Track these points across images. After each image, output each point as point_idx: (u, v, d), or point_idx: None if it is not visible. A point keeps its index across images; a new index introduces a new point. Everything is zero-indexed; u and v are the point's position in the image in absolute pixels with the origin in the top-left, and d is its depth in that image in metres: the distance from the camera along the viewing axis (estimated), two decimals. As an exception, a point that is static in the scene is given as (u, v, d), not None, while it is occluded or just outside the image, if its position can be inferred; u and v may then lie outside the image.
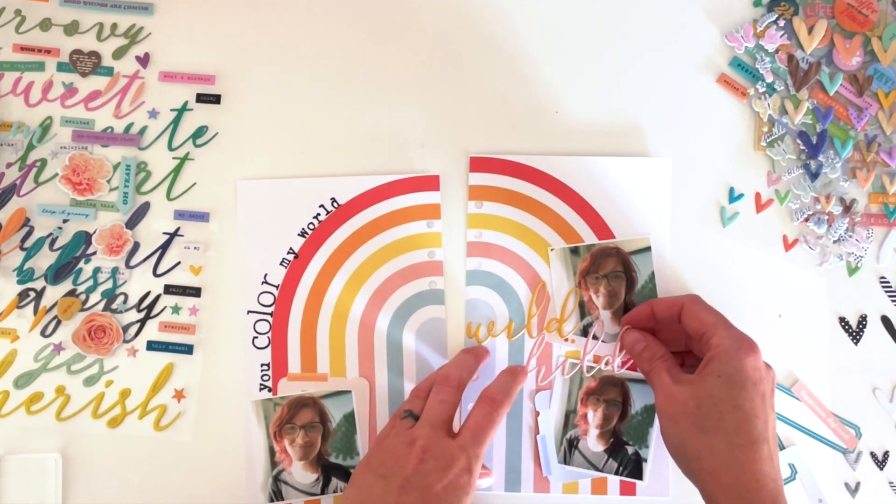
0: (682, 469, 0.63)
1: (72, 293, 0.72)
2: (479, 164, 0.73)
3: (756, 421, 0.60)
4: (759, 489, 0.58)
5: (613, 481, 0.71)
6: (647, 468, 0.71)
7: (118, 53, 0.74)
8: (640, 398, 0.71)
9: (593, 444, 0.71)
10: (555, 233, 0.73)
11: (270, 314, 0.72)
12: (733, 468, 0.59)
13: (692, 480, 0.62)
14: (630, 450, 0.71)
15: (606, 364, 0.71)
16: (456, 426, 0.64)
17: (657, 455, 0.71)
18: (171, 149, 0.73)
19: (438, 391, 0.65)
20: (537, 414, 0.72)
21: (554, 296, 0.72)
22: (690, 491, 0.69)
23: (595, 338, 0.71)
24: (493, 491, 0.71)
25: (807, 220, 0.73)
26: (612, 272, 0.72)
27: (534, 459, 0.72)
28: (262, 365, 0.72)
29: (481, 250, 0.73)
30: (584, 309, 0.72)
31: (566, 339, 0.72)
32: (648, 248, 0.72)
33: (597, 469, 0.71)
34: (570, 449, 0.71)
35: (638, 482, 0.71)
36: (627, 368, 0.71)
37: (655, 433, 0.71)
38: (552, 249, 0.73)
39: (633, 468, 0.71)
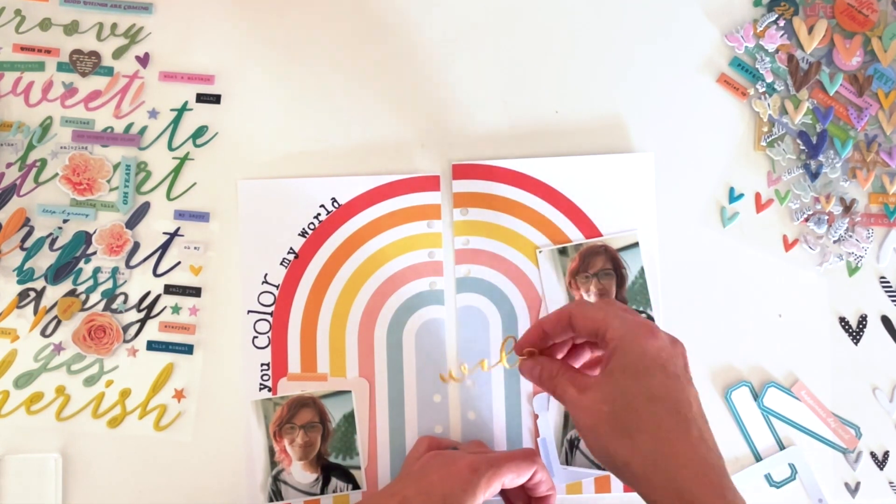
0: (620, 479, 0.57)
1: (72, 293, 0.72)
2: (462, 171, 0.73)
3: (675, 405, 0.55)
4: (698, 481, 0.52)
5: (616, 479, 0.71)
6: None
7: (118, 53, 0.74)
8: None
9: (594, 443, 0.71)
10: (542, 234, 0.73)
11: (270, 314, 0.72)
12: (664, 466, 0.53)
13: (634, 490, 0.56)
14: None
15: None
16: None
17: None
18: (171, 149, 0.73)
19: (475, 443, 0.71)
20: (536, 417, 0.72)
21: (545, 298, 0.72)
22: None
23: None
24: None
25: (807, 220, 0.73)
26: (601, 270, 0.72)
27: (535, 461, 0.72)
28: (262, 365, 0.72)
29: (470, 257, 0.73)
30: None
31: None
32: (636, 244, 0.72)
33: (599, 468, 0.71)
34: (570, 449, 0.71)
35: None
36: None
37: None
38: (540, 251, 0.73)
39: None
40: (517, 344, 0.64)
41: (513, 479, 0.63)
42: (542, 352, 0.62)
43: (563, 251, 0.73)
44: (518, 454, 0.64)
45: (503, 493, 0.67)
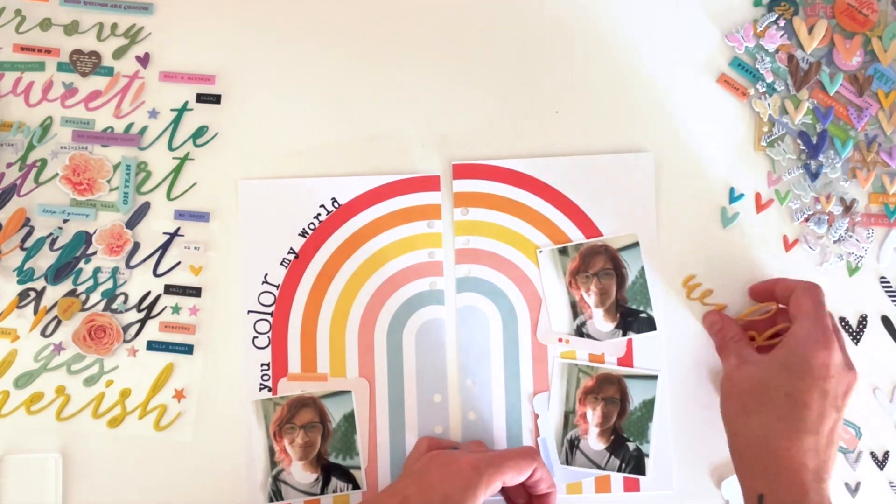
0: (729, 451, 0.64)
1: (72, 293, 0.72)
2: (463, 170, 0.73)
3: (806, 413, 0.60)
4: (786, 477, 0.59)
5: (617, 478, 0.71)
6: (650, 463, 0.71)
7: (118, 53, 0.74)
8: (638, 394, 0.71)
9: (594, 442, 0.71)
10: (542, 234, 0.73)
11: (271, 314, 0.72)
12: (761, 452, 0.60)
13: (733, 463, 0.63)
14: (631, 446, 0.71)
15: (606, 363, 0.71)
16: None
17: (659, 449, 0.71)
18: (171, 149, 0.73)
19: (476, 442, 0.70)
20: (537, 416, 0.72)
21: (545, 298, 0.72)
22: (694, 483, 0.70)
23: (596, 338, 0.71)
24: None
25: (807, 220, 0.73)
26: (601, 270, 0.72)
27: (536, 461, 0.72)
28: (262, 365, 0.72)
29: (470, 257, 0.73)
30: (575, 309, 0.72)
31: (560, 340, 0.72)
32: (637, 244, 0.72)
33: (599, 467, 0.71)
34: (571, 449, 0.71)
35: (641, 478, 0.71)
36: (627, 366, 0.72)
37: (655, 428, 0.71)
38: (541, 251, 0.73)
39: (636, 464, 0.71)
40: (752, 286, 0.72)
41: (513, 477, 0.64)
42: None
43: (563, 251, 0.73)
44: (518, 452, 0.65)
45: (504, 491, 0.68)
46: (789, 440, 0.59)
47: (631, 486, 0.71)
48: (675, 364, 0.72)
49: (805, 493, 0.58)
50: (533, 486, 0.67)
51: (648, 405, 0.71)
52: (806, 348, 0.61)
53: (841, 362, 0.62)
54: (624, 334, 0.72)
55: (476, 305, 0.73)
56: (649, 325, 0.72)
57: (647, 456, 0.71)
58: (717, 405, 0.71)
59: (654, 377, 0.71)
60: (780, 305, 0.70)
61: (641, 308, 0.72)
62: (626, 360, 0.72)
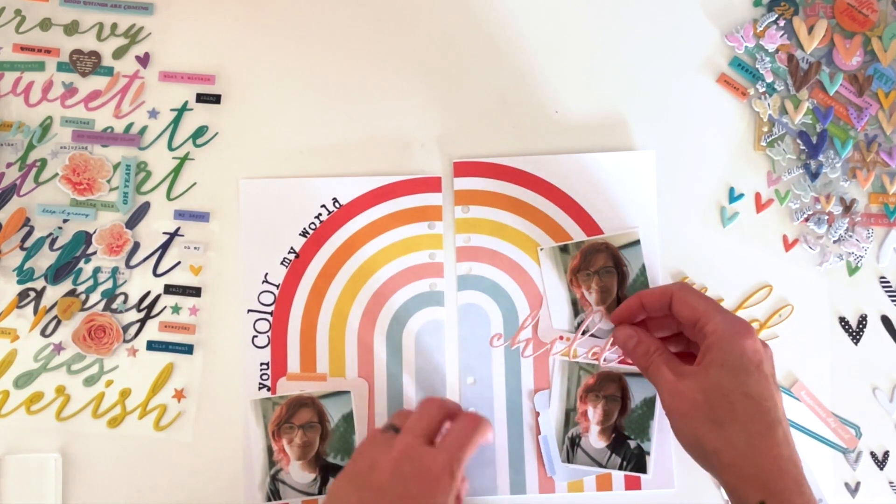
0: (700, 464, 0.62)
1: (72, 293, 0.72)
2: (464, 168, 0.73)
3: (767, 404, 0.59)
4: (782, 476, 0.57)
5: (618, 476, 0.71)
6: (651, 461, 0.71)
7: (118, 53, 0.74)
8: (639, 392, 0.71)
9: (595, 440, 0.71)
10: (543, 232, 0.73)
11: (270, 313, 0.72)
12: (753, 458, 0.58)
13: (712, 473, 0.62)
14: (632, 444, 0.71)
15: (605, 361, 0.71)
16: None
17: (660, 447, 0.71)
18: (171, 149, 0.73)
19: (423, 406, 0.64)
20: (537, 414, 0.72)
21: (546, 296, 0.72)
22: (695, 481, 0.70)
23: (584, 332, 0.71)
24: (499, 496, 0.71)
25: (807, 220, 0.73)
26: (602, 268, 0.72)
27: (537, 460, 0.71)
28: (261, 364, 0.72)
29: (471, 255, 0.73)
30: (576, 306, 0.72)
31: (561, 338, 0.72)
32: (638, 242, 0.72)
33: (600, 465, 0.71)
34: (572, 447, 0.71)
35: (642, 476, 0.71)
36: (620, 363, 0.72)
37: (657, 426, 0.71)
38: (542, 249, 0.73)
39: (637, 462, 0.71)
40: (616, 311, 0.69)
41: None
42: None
43: (564, 249, 0.73)
44: (466, 428, 0.62)
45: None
46: (768, 437, 0.58)
47: (632, 485, 0.71)
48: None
49: (801, 486, 0.58)
50: None
51: (649, 403, 0.71)
52: (735, 342, 0.60)
53: (761, 344, 0.61)
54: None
55: (477, 303, 0.73)
56: (649, 324, 0.72)
57: (649, 454, 0.71)
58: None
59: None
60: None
61: (642, 307, 0.72)
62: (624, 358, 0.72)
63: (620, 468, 0.71)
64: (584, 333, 0.71)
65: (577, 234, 0.73)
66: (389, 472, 0.58)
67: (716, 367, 0.60)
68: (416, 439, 0.60)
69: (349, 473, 0.60)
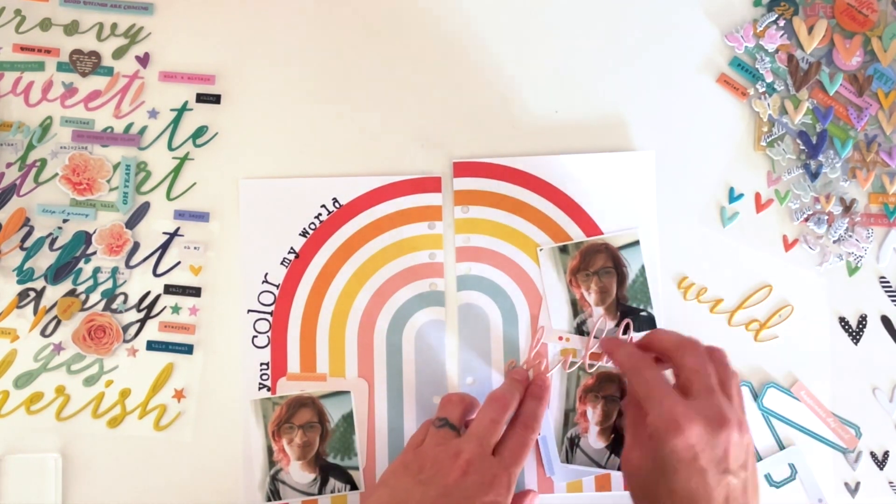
0: None
1: (72, 293, 0.72)
2: (463, 168, 0.73)
3: (696, 499, 0.57)
4: None
5: (617, 477, 0.71)
6: (649, 463, 0.71)
7: (118, 53, 0.74)
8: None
9: (594, 441, 0.71)
10: (543, 232, 0.73)
11: (270, 313, 0.72)
12: None
13: None
14: (630, 445, 0.71)
15: (607, 360, 0.71)
16: None
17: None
18: (171, 149, 0.73)
19: (490, 410, 0.64)
20: (537, 414, 0.72)
21: (546, 296, 0.72)
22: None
23: (596, 337, 0.71)
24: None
25: (807, 220, 0.73)
26: (602, 268, 0.72)
27: (536, 461, 0.71)
28: (261, 364, 0.72)
29: (470, 255, 0.73)
30: (576, 307, 0.72)
31: (561, 339, 0.72)
32: (637, 243, 0.72)
33: (599, 466, 0.71)
34: (571, 448, 0.71)
35: (641, 476, 0.71)
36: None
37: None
38: (541, 249, 0.73)
39: (636, 463, 0.71)
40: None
41: None
42: None
43: (563, 249, 0.73)
44: (524, 437, 0.64)
45: None
46: None
47: (631, 485, 0.71)
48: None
49: None
50: None
51: (649, 402, 0.71)
52: (664, 441, 0.58)
53: (702, 432, 0.57)
54: (624, 332, 0.72)
55: (476, 303, 0.73)
56: (649, 323, 0.72)
57: (647, 455, 0.71)
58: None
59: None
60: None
61: (642, 306, 0.72)
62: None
63: (620, 469, 0.71)
64: (595, 338, 0.71)
65: (577, 235, 0.73)
66: (456, 479, 0.60)
67: (649, 458, 0.59)
68: (482, 448, 0.62)
69: (411, 467, 0.62)
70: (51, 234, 0.72)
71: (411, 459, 0.62)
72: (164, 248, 0.73)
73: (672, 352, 0.63)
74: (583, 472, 0.71)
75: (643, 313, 0.72)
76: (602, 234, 0.73)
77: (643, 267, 0.72)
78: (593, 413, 0.71)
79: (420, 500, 0.59)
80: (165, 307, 0.72)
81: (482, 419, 0.64)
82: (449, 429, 0.64)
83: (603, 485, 0.71)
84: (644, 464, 0.60)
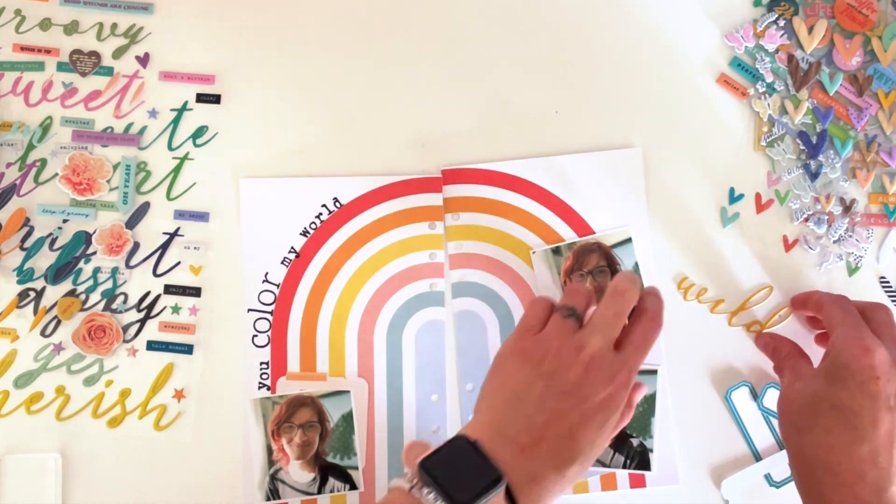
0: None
1: (72, 293, 0.72)
2: (452, 175, 0.73)
3: (856, 421, 0.58)
4: (844, 492, 0.57)
5: (622, 475, 0.71)
6: (654, 458, 0.71)
7: (118, 53, 0.74)
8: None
9: (598, 440, 0.71)
10: (534, 235, 0.73)
11: (271, 313, 0.72)
12: (815, 470, 0.58)
13: (797, 486, 0.62)
14: (635, 442, 0.71)
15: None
16: None
17: (662, 444, 0.71)
18: (170, 149, 0.73)
19: (613, 303, 0.60)
20: (538, 414, 0.71)
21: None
22: (700, 476, 0.70)
23: None
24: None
25: (807, 220, 0.73)
26: (596, 268, 0.72)
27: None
28: (261, 363, 0.72)
29: (463, 261, 0.73)
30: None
31: None
32: (629, 240, 0.72)
33: (604, 465, 0.71)
34: (573, 448, 0.71)
35: (647, 473, 0.71)
36: None
37: (658, 422, 0.71)
38: (534, 252, 0.73)
39: (640, 460, 0.71)
40: (794, 298, 0.72)
41: None
42: None
43: (556, 251, 0.73)
44: (648, 332, 0.60)
45: None
46: (841, 454, 0.58)
47: (637, 482, 0.71)
48: (674, 357, 0.72)
49: None
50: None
51: (650, 400, 0.71)
52: (845, 354, 0.60)
53: (887, 360, 0.59)
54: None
55: (472, 310, 0.73)
56: (648, 322, 0.72)
57: (652, 451, 0.71)
58: (718, 406, 0.72)
59: (654, 372, 0.71)
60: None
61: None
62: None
63: (624, 467, 0.71)
64: None
65: (569, 235, 0.73)
66: (578, 375, 0.56)
67: (821, 375, 0.61)
68: (605, 342, 0.58)
69: (533, 355, 0.58)
70: (51, 234, 0.72)
71: (531, 347, 0.58)
72: (164, 248, 0.73)
73: (867, 311, 0.64)
74: (588, 472, 0.71)
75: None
76: (594, 233, 0.73)
77: (637, 264, 0.72)
78: (595, 412, 0.71)
79: (542, 395, 0.56)
80: (165, 307, 0.72)
81: (604, 312, 0.59)
82: (575, 319, 0.59)
83: (609, 484, 0.71)
84: (807, 390, 0.61)
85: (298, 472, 0.71)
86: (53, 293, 0.72)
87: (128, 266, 0.73)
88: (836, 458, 0.58)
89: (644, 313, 0.61)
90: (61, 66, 0.74)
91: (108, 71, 0.74)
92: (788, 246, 0.73)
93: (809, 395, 0.61)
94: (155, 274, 0.73)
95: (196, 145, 0.74)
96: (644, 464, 0.71)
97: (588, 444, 0.55)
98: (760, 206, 0.74)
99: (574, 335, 0.58)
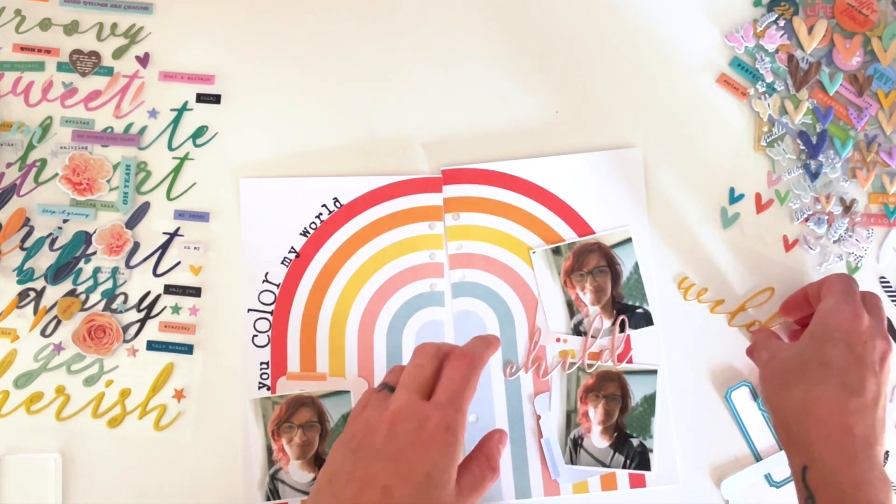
0: (774, 431, 0.64)
1: (72, 293, 0.72)
2: (452, 175, 0.73)
3: (845, 376, 0.58)
4: (830, 441, 0.57)
5: (622, 475, 0.71)
6: (654, 458, 0.71)
7: (118, 53, 0.74)
8: (638, 389, 0.71)
9: (597, 440, 0.71)
10: (535, 235, 0.73)
11: (271, 313, 0.72)
12: (801, 419, 0.58)
13: (779, 440, 0.63)
14: (635, 442, 0.71)
15: (605, 360, 0.71)
16: None
17: (662, 443, 0.71)
18: (170, 149, 0.73)
19: (414, 357, 0.58)
20: (539, 417, 0.71)
21: (541, 299, 0.72)
22: (700, 476, 0.69)
23: (594, 337, 0.71)
24: (504, 500, 0.71)
25: (807, 220, 0.73)
26: (596, 267, 0.72)
27: (541, 463, 0.71)
28: (261, 363, 0.72)
29: (463, 262, 0.73)
30: (572, 308, 0.72)
31: (558, 340, 0.72)
32: (629, 240, 0.73)
33: (604, 465, 0.71)
34: (575, 448, 0.71)
35: (646, 473, 0.71)
36: (626, 362, 0.72)
37: (658, 422, 0.71)
38: (534, 252, 0.73)
39: (641, 460, 0.71)
40: (784, 302, 0.71)
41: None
42: None
43: (556, 251, 0.73)
44: (458, 369, 0.57)
45: None
46: (831, 404, 0.58)
47: (637, 483, 0.71)
48: (674, 357, 0.72)
49: (852, 459, 0.56)
50: None
51: (650, 400, 0.71)
52: (833, 317, 0.61)
53: (872, 327, 0.60)
54: (622, 330, 0.72)
55: (472, 310, 0.73)
56: (646, 320, 0.72)
57: (652, 451, 0.71)
58: (718, 406, 0.72)
59: (654, 372, 0.71)
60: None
61: (638, 304, 0.72)
62: (625, 355, 0.72)
63: (624, 467, 0.71)
64: (593, 337, 0.71)
65: (569, 235, 0.73)
66: (384, 435, 0.54)
67: (808, 337, 0.62)
68: (411, 395, 0.56)
69: (345, 437, 0.56)
70: (51, 234, 0.72)
71: (348, 430, 0.57)
72: (164, 248, 0.73)
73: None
74: (588, 472, 0.71)
75: (639, 310, 0.72)
76: (594, 233, 0.73)
77: (637, 264, 0.72)
78: (595, 412, 0.71)
79: (352, 468, 0.53)
80: (165, 307, 0.72)
81: (407, 369, 0.58)
82: (387, 391, 0.57)
83: (609, 484, 0.71)
84: (791, 353, 0.63)
85: (298, 472, 0.71)
86: (53, 293, 0.72)
87: (128, 266, 0.73)
88: (825, 408, 0.58)
89: (455, 353, 0.58)
90: (61, 66, 0.74)
91: (108, 71, 0.74)
92: (788, 246, 0.73)
93: (796, 356, 0.62)
94: (155, 274, 0.73)
95: (196, 145, 0.74)
96: (644, 464, 0.71)
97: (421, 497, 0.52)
98: (760, 206, 0.74)
99: (382, 402, 0.56)
